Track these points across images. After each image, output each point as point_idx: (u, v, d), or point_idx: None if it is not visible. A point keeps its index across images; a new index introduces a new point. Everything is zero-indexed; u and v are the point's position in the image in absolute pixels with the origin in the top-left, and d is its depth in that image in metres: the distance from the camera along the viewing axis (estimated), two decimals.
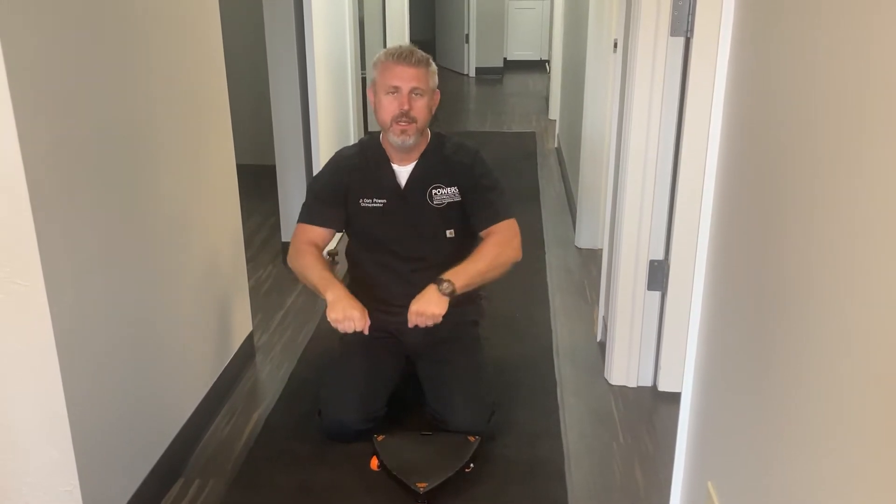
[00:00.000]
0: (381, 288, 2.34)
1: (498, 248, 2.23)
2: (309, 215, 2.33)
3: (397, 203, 2.28)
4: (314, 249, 2.28)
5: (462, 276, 2.17)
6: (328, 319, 2.17)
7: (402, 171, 2.29)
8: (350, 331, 2.16)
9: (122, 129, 1.84)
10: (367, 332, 2.17)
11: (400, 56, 2.17)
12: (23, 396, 1.62)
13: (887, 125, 0.85)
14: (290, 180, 3.62)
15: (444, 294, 2.15)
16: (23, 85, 1.45)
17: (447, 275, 2.17)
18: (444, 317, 2.35)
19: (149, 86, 1.97)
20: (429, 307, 2.13)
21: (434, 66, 2.26)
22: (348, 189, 2.29)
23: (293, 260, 2.29)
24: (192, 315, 2.29)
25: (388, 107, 2.18)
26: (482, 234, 2.29)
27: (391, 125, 2.19)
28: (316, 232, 2.31)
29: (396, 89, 2.17)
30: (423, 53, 2.22)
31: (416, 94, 2.18)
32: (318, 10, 3.50)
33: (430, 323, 2.16)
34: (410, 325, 2.17)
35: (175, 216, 2.15)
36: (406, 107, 2.16)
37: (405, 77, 2.16)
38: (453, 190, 2.28)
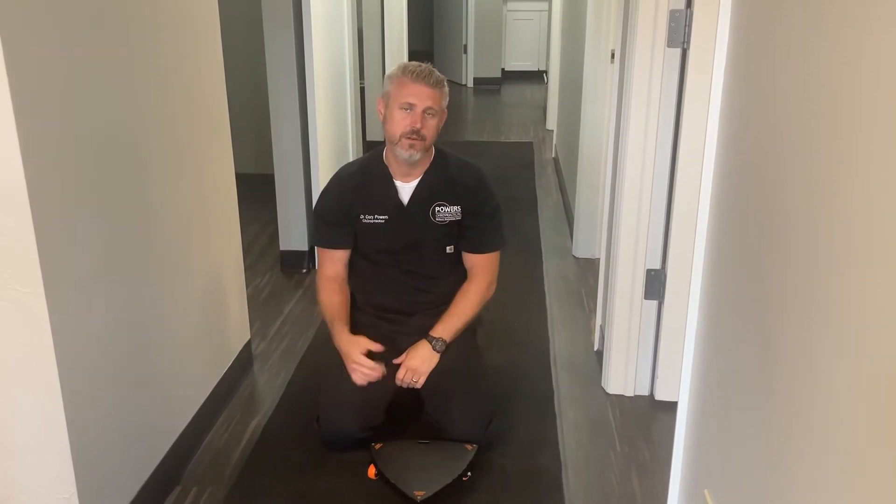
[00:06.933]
0: (380, 296, 2.38)
1: (479, 294, 2.34)
2: (322, 239, 2.39)
3: (399, 219, 2.29)
4: (331, 285, 2.34)
5: (450, 331, 2.29)
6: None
7: (405, 188, 2.30)
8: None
9: (122, 138, 1.85)
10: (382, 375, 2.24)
11: (419, 75, 2.18)
12: (21, 403, 1.62)
13: (886, 135, 0.86)
14: (288, 189, 3.63)
15: (438, 352, 2.25)
16: (25, 93, 1.46)
17: (437, 331, 2.27)
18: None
19: (149, 95, 1.98)
20: (422, 366, 2.23)
21: (447, 88, 2.27)
22: (351, 206, 2.31)
23: (318, 297, 2.39)
24: (191, 323, 2.30)
25: (401, 122, 2.18)
26: (465, 256, 2.36)
27: (399, 140, 2.19)
28: (335, 255, 2.36)
29: (411, 106, 2.17)
30: (440, 74, 2.24)
31: (429, 114, 2.19)
32: (318, 20, 3.52)
33: (418, 380, 2.24)
34: (400, 380, 2.24)
35: (175, 224, 2.16)
36: (418, 125, 2.17)
37: (422, 96, 2.17)
38: (456, 209, 2.29)
